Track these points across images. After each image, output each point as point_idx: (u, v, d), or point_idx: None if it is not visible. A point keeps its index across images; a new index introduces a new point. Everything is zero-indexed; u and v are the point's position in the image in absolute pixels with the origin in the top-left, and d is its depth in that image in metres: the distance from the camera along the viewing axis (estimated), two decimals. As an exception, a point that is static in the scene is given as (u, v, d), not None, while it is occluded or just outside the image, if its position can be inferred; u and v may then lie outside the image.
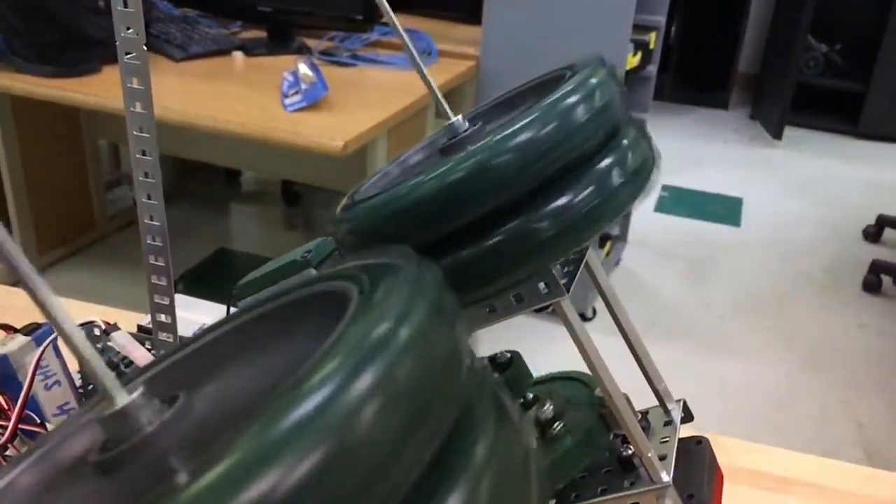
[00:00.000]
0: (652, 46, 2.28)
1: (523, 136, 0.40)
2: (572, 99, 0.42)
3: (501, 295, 0.44)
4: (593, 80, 0.43)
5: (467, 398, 0.23)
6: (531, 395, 0.51)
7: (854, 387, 2.14)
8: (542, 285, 0.43)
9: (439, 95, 0.49)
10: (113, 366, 0.62)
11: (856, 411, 2.04)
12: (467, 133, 0.48)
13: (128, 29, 0.54)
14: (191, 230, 2.60)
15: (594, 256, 0.49)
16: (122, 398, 0.23)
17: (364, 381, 0.20)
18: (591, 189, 0.42)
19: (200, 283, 2.35)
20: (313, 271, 0.50)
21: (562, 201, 0.41)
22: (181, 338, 0.62)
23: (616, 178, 0.43)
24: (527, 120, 0.40)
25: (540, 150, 0.40)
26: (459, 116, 0.48)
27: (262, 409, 0.19)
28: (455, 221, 0.40)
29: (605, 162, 0.43)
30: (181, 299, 0.67)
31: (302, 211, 2.89)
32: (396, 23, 0.48)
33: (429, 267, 0.25)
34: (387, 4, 0.47)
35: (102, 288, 2.25)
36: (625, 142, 0.44)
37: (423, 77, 0.49)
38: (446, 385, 0.22)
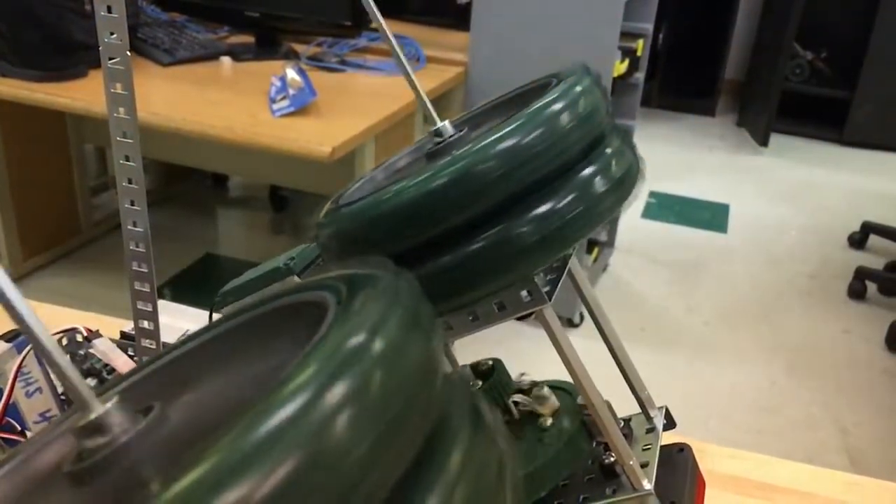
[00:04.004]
0: (639, 53, 2.29)
1: (507, 143, 0.40)
2: (557, 106, 0.42)
3: (484, 302, 0.44)
4: (578, 89, 0.43)
5: (443, 408, 0.23)
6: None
7: (838, 393, 2.15)
8: (524, 293, 0.43)
9: (426, 99, 0.49)
10: (95, 373, 0.61)
11: (840, 417, 2.05)
12: (453, 138, 0.48)
13: (111, 34, 0.54)
14: (177, 235, 2.59)
15: (577, 264, 0.50)
16: (97, 408, 0.23)
17: (337, 392, 0.20)
18: (574, 196, 0.42)
19: (187, 288, 2.33)
20: (296, 278, 0.50)
21: (545, 208, 0.41)
22: (164, 345, 0.62)
23: (599, 185, 0.43)
24: (511, 126, 0.40)
25: (523, 157, 0.40)
26: (446, 122, 0.48)
27: (236, 418, 0.19)
28: (437, 226, 0.40)
29: (589, 170, 0.43)
30: (165, 305, 0.67)
31: (289, 216, 2.88)
32: (385, 26, 0.48)
33: (406, 278, 0.25)
34: (376, 10, 0.48)
35: (87, 293, 2.23)
36: (609, 150, 0.44)
37: (410, 81, 0.49)
38: (420, 395, 0.22)
